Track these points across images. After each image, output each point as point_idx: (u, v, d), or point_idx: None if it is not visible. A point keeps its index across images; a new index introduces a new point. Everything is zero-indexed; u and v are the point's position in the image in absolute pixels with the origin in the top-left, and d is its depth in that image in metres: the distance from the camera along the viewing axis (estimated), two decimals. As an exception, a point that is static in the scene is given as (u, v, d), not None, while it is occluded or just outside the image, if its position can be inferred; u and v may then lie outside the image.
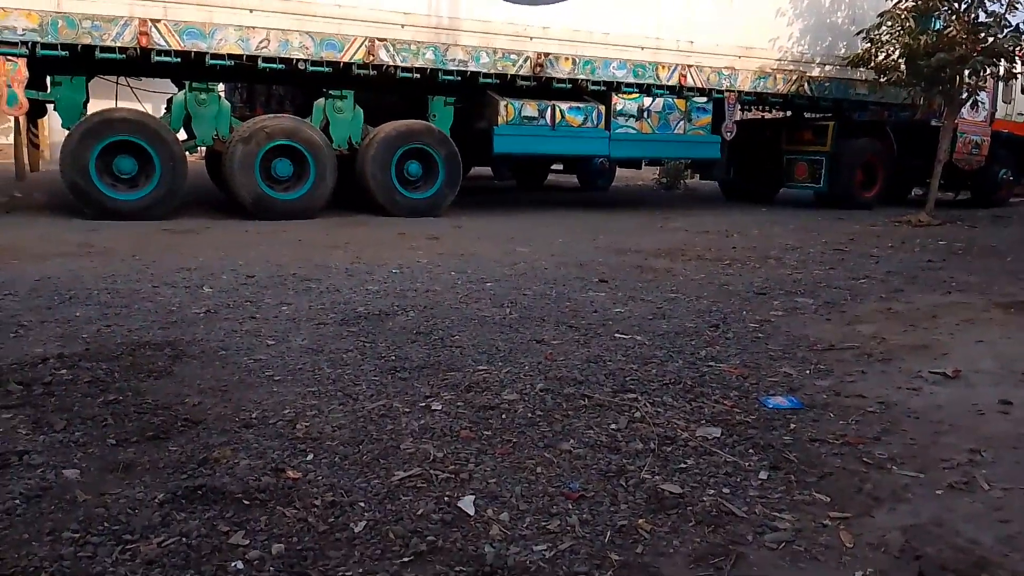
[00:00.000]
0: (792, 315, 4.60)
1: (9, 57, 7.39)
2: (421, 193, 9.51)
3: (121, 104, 9.05)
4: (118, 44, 7.67)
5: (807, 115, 13.45)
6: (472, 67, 9.33)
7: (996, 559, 1.92)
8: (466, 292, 4.93)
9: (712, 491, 2.24)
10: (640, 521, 2.06)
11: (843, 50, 11.69)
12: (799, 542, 1.98)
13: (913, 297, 5.23)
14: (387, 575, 1.79)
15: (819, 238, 8.46)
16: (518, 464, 2.39)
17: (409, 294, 4.80)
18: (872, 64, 11.08)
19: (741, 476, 2.35)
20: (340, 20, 8.53)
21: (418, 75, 9.11)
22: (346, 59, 8.64)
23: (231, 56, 8.15)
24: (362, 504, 2.10)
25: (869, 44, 10.93)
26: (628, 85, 10.36)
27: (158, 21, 7.76)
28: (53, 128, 12.87)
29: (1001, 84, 12.99)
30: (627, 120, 10.47)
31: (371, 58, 8.74)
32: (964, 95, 10.94)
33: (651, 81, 10.45)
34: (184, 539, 1.89)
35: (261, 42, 8.21)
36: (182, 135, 8.76)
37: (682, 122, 10.86)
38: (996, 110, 13.49)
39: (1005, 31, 10.41)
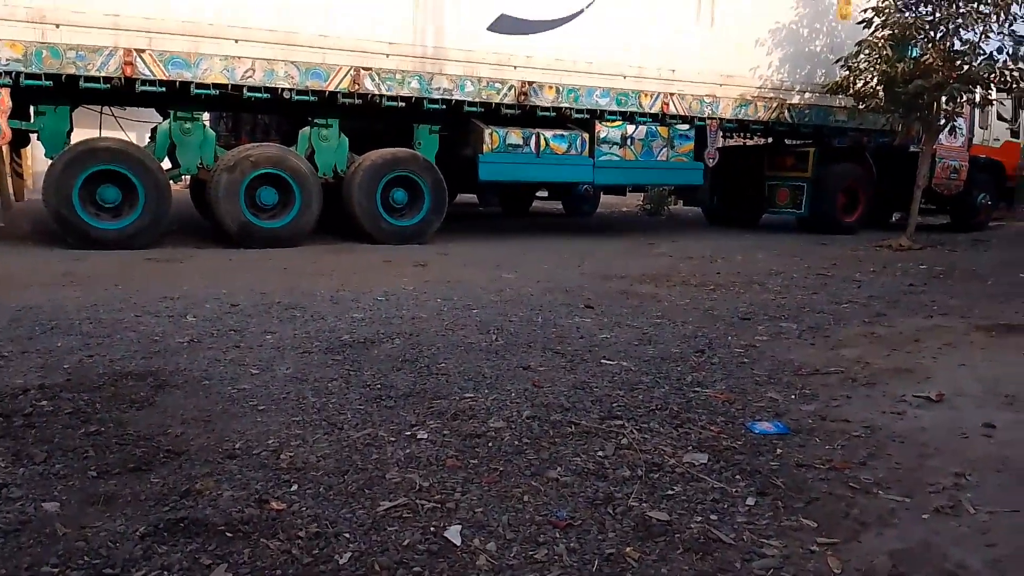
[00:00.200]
0: (776, 340, 4.62)
1: (-7, 87, 7.38)
2: (407, 220, 9.53)
3: (105, 133, 9.04)
4: (103, 74, 7.67)
5: (788, 141, 13.62)
6: (457, 96, 9.40)
7: (983, 583, 1.92)
8: (452, 319, 4.92)
9: (700, 518, 2.24)
10: (628, 549, 2.05)
11: (822, 78, 11.88)
12: (787, 568, 1.97)
13: (896, 321, 5.27)
14: (373, 608, 1.76)
15: (802, 263, 8.53)
16: (505, 493, 2.37)
17: (395, 321, 4.79)
18: (851, 91, 11.26)
19: (728, 502, 2.34)
20: (325, 50, 8.58)
21: (403, 104, 9.17)
22: (331, 88, 8.69)
23: (216, 85, 8.17)
24: (347, 535, 2.08)
25: (848, 72, 11.12)
26: (611, 113, 10.47)
27: (143, 51, 7.77)
28: (36, 157, 12.81)
29: (977, 111, 13.23)
30: (611, 147, 10.57)
31: (356, 87, 8.79)
32: (942, 121, 11.12)
33: (634, 109, 10.57)
34: (166, 573, 1.86)
35: (246, 71, 8.24)
36: (167, 164, 8.75)
37: (665, 149, 10.98)
38: (973, 136, 13.72)
39: (980, 59, 10.63)
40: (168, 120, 8.54)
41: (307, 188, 8.77)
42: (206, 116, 9.39)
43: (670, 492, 2.41)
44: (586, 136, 10.36)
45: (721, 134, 11.90)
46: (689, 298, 5.99)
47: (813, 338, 4.70)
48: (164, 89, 8.02)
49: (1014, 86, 10.57)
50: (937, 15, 10.54)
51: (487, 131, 9.74)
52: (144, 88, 7.92)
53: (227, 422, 2.91)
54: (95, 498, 2.25)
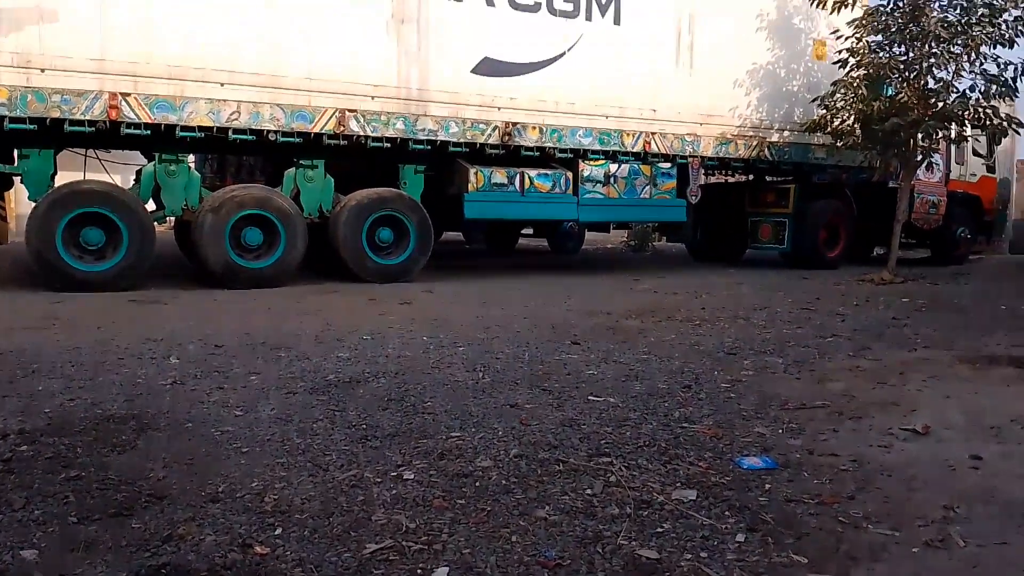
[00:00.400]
0: (762, 374, 4.63)
1: (-24, 131, 7.38)
2: (392, 259, 9.54)
3: (90, 176, 9.03)
4: (88, 117, 7.69)
5: (769, 178, 13.82)
6: (442, 136, 9.50)
7: (975, 617, 1.90)
8: (438, 357, 4.90)
9: (690, 555, 2.22)
10: (618, 588, 2.02)
11: (800, 116, 12.11)
12: (779, 605, 1.95)
13: (880, 354, 5.30)
14: (359, 653, 1.73)
15: (786, 297, 8.60)
16: (493, 533, 2.34)
17: (380, 360, 4.76)
18: (829, 129, 11.48)
19: (718, 539, 2.32)
20: (311, 92, 8.66)
21: (388, 144, 9.25)
22: (317, 129, 8.75)
23: (202, 128, 8.21)
24: (333, 579, 2.04)
25: (825, 111, 11.35)
26: (594, 152, 10.61)
27: (128, 95, 7.81)
28: (20, 200, 12.78)
29: (953, 147, 13.50)
30: (594, 185, 10.69)
31: (342, 128, 8.86)
32: (919, 157, 11.33)
33: (616, 148, 10.72)
34: (146, 621, 1.82)
35: (232, 114, 8.29)
36: (151, 206, 8.74)
37: (648, 187, 11.12)
38: (951, 171, 13.99)
39: (953, 96, 10.88)
40: (153, 162, 8.55)
41: (292, 228, 8.78)
42: (191, 158, 9.42)
43: (659, 529, 2.39)
44: (570, 175, 10.48)
45: (703, 172, 12.06)
46: (675, 333, 6.01)
47: (799, 372, 4.72)
48: (149, 132, 8.05)
49: (987, 123, 10.80)
50: (910, 55, 10.81)
51: (472, 170, 9.83)
52: (129, 131, 7.95)
53: (210, 465, 2.87)
54: (75, 544, 2.20)
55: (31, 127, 7.55)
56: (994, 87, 10.60)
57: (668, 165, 11.28)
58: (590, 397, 3.95)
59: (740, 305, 7.82)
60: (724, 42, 11.35)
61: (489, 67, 9.72)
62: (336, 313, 6.80)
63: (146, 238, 8.20)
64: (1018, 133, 11.61)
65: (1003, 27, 10.37)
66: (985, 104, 10.68)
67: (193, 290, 8.32)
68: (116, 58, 7.72)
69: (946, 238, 14.27)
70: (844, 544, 2.30)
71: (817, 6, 11.21)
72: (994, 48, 10.52)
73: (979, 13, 10.38)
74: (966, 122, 11.25)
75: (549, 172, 10.37)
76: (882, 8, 10.92)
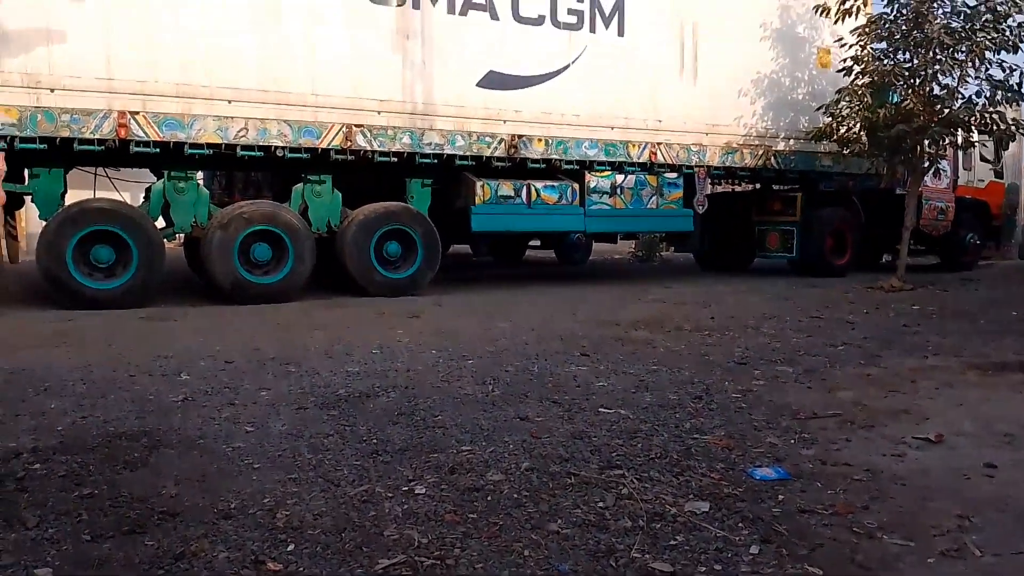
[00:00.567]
0: (773, 384, 4.61)
1: (-13, 151, 7.44)
2: (400, 272, 9.56)
3: (99, 194, 9.10)
4: (97, 136, 7.75)
5: (775, 187, 13.81)
6: (448, 150, 9.53)
7: (993, 627, 1.89)
8: (447, 370, 4.91)
9: (703, 568, 2.21)
10: (632, 602, 2.01)
11: (806, 125, 12.10)
12: (794, 618, 1.94)
13: (891, 362, 5.28)
14: (373, 670, 1.72)
15: (795, 306, 8.57)
16: (505, 547, 2.34)
17: (390, 374, 4.77)
18: (834, 137, 11.47)
19: (732, 551, 2.31)
20: (317, 108, 8.72)
21: (395, 159, 9.29)
22: (324, 145, 8.80)
23: (210, 145, 8.27)
24: (346, 595, 2.04)
25: (830, 119, 11.34)
26: (600, 163, 10.62)
27: (137, 113, 7.88)
28: (31, 219, 12.87)
29: (960, 153, 13.47)
30: (601, 196, 10.70)
31: (349, 143, 8.91)
32: (925, 164, 11.31)
33: (622, 159, 10.73)
34: (160, 640, 1.82)
35: (240, 131, 8.35)
36: (160, 223, 8.80)
37: (654, 197, 11.12)
38: (958, 177, 13.95)
39: (959, 103, 10.87)
40: (162, 180, 8.61)
41: (300, 243, 8.82)
42: (200, 175, 9.49)
43: (672, 542, 2.38)
44: (576, 186, 10.49)
45: (709, 181, 12.06)
46: (684, 344, 6.00)
47: (810, 381, 4.70)
48: (158, 150, 8.11)
49: (994, 128, 10.78)
50: (915, 62, 10.80)
51: (479, 183, 9.86)
52: (138, 149, 8.01)
53: (222, 481, 2.88)
54: (88, 563, 2.21)
55: (41, 147, 7.62)
56: (1000, 93, 10.59)
57: (674, 175, 11.28)
58: (600, 409, 3.95)
59: (749, 314, 7.80)
60: (728, 52, 11.37)
61: (494, 80, 9.76)
62: (345, 327, 6.81)
63: (156, 255, 8.25)
64: (1025, 138, 11.58)
65: (1007, 32, 10.37)
66: (991, 109, 10.66)
67: (203, 306, 8.35)
68: (124, 77, 7.79)
69: (955, 244, 14.22)
70: (858, 555, 2.29)
71: (821, 15, 11.23)
72: (998, 54, 10.51)
73: (983, 19, 10.37)
74: (972, 128, 11.23)
75: (555, 184, 10.39)
76: (885, 16, 10.93)
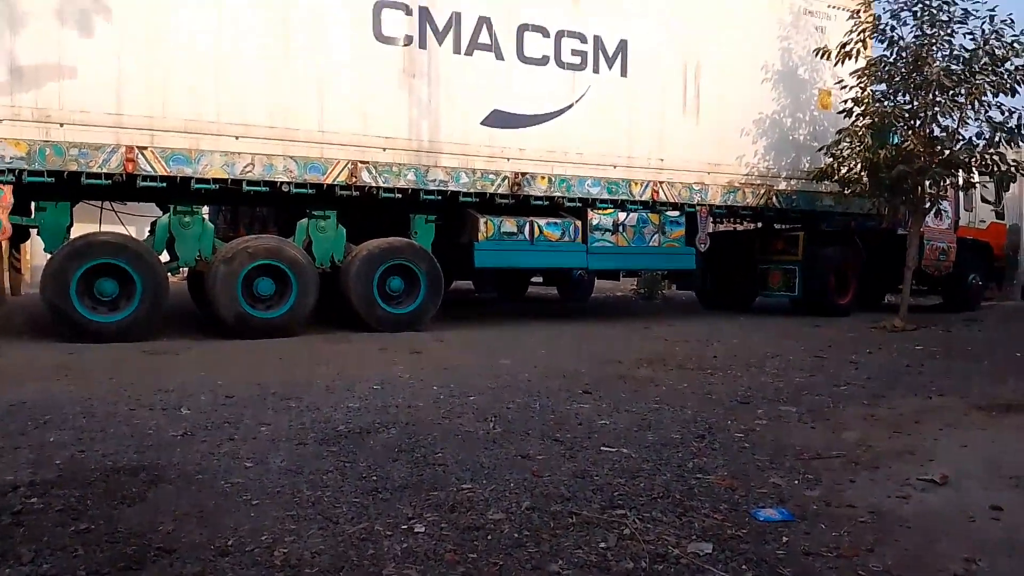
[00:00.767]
0: (777, 423, 4.58)
1: (-5, 184, 7.51)
2: (403, 308, 9.57)
3: (105, 227, 9.15)
4: (104, 170, 7.82)
5: (777, 226, 13.87)
6: (452, 187, 9.61)
7: (1003, 675, 1.85)
8: (449, 406, 4.88)
9: (707, 610, 2.17)
10: (634, 645, 1.98)
11: (807, 164, 12.19)
12: (799, 663, 1.90)
13: (895, 402, 5.25)
14: None
15: (797, 345, 8.55)
16: (506, 587, 2.31)
17: (391, 410, 4.75)
18: (836, 177, 11.55)
19: (735, 593, 2.28)
20: (323, 144, 8.81)
21: (400, 195, 9.36)
22: (329, 181, 8.88)
23: (216, 180, 8.34)
24: (343, 635, 2.01)
25: (832, 159, 11.43)
26: (603, 201, 10.69)
27: (145, 148, 7.96)
28: (35, 251, 12.94)
29: (961, 194, 13.54)
30: (603, 234, 10.75)
31: (354, 180, 8.98)
32: (927, 204, 11.37)
33: (625, 197, 10.80)
34: None
35: (246, 166, 8.43)
36: (165, 256, 8.84)
37: (657, 235, 11.17)
38: (959, 218, 14.01)
39: (959, 144, 10.96)
40: (168, 214, 8.67)
41: (304, 278, 8.85)
42: (205, 209, 9.56)
43: (675, 584, 2.35)
44: (579, 223, 10.55)
45: (711, 220, 12.12)
46: (687, 382, 5.97)
47: (813, 421, 4.67)
48: (164, 184, 8.18)
49: (995, 169, 10.85)
50: (915, 103, 10.92)
51: (482, 220, 9.93)
52: (145, 184, 8.08)
53: (220, 517, 2.85)
54: (83, 600, 2.18)
55: (49, 180, 7.69)
56: (999, 134, 10.68)
57: (676, 213, 11.34)
58: (602, 447, 3.92)
59: (752, 353, 7.77)
60: (730, 92, 11.51)
61: (499, 119, 9.87)
62: (347, 362, 6.80)
63: (159, 289, 8.27)
64: (1025, 180, 11.64)
65: (1005, 76, 10.49)
66: (992, 151, 10.75)
67: (205, 340, 8.35)
68: (133, 112, 7.89)
69: (957, 285, 14.21)
70: (864, 599, 2.25)
71: (821, 58, 11.38)
72: (996, 97, 10.63)
73: (982, 62, 10.50)
74: (973, 169, 11.31)
75: (558, 221, 10.45)
76: (885, 58, 11.09)
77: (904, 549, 2.63)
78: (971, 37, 10.60)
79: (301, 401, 4.97)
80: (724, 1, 11.52)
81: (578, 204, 10.53)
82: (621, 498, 3.13)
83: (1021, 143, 11.04)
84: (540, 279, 17.02)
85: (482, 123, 9.77)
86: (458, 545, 2.62)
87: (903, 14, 10.77)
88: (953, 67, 10.64)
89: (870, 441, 4.13)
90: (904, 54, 10.82)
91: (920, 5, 10.57)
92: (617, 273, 15.53)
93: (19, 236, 9.41)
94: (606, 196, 10.66)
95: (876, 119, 11.01)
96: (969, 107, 10.70)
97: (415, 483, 3.29)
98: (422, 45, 9.37)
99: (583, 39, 10.39)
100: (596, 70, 10.52)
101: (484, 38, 9.74)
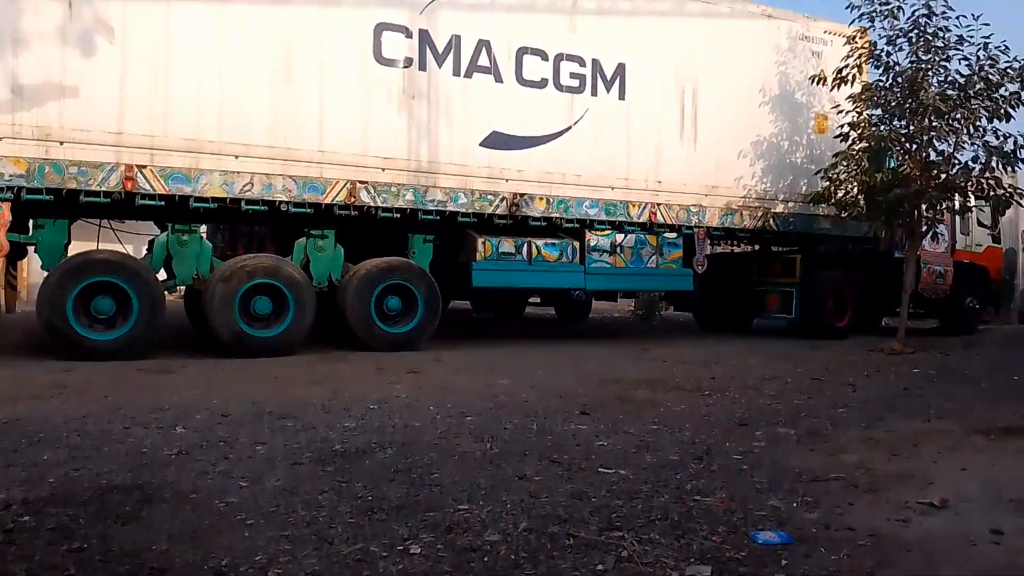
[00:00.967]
0: (775, 445, 4.56)
1: (-7, 201, 7.52)
2: (401, 327, 9.56)
3: (103, 245, 9.15)
4: (103, 188, 7.84)
5: (775, 248, 13.90)
6: (451, 207, 9.64)
7: None
8: (446, 427, 4.86)
9: (706, 634, 2.15)
10: (632, 669, 1.96)
11: (804, 187, 12.24)
12: None
13: (894, 425, 5.23)
14: None
15: (795, 367, 8.53)
16: (502, 609, 2.28)
17: (387, 430, 4.72)
18: (833, 200, 11.59)
19: (735, 617, 2.26)
20: (323, 164, 8.84)
21: (398, 215, 9.39)
22: (328, 200, 8.90)
23: (215, 199, 8.36)
24: (338, 658, 1.98)
25: (828, 183, 11.48)
26: (601, 222, 10.73)
27: (144, 167, 7.98)
28: (32, 269, 12.93)
29: (958, 217, 13.60)
30: (601, 255, 10.78)
31: (352, 199, 9.01)
32: (923, 228, 11.41)
33: (622, 218, 10.84)
34: None
35: (245, 185, 8.45)
36: (162, 275, 8.83)
37: (654, 256, 11.20)
38: (956, 241, 14.06)
39: (955, 168, 11.03)
40: (166, 232, 8.68)
41: (301, 297, 8.84)
42: (203, 228, 9.56)
43: (674, 607, 2.32)
44: (577, 244, 10.58)
45: (709, 242, 12.15)
46: (685, 403, 5.96)
47: (812, 443, 4.65)
48: (163, 203, 8.20)
49: (991, 193, 10.91)
50: (911, 128, 10.99)
51: (480, 240, 9.95)
52: (144, 202, 8.10)
53: (214, 537, 2.82)
54: (74, 620, 2.15)
55: (47, 197, 7.70)
56: (995, 158, 10.74)
57: (674, 235, 11.38)
58: (600, 469, 3.90)
59: (750, 375, 7.76)
60: (727, 116, 11.59)
61: (497, 140, 9.93)
62: (343, 382, 6.77)
63: (156, 307, 8.25)
64: (1020, 205, 11.68)
65: (1000, 101, 10.57)
66: (987, 175, 10.81)
67: (202, 359, 8.32)
68: (134, 131, 7.93)
69: (954, 308, 14.23)
70: (865, 623, 2.23)
71: (817, 83, 11.47)
72: (991, 122, 10.71)
73: (976, 87, 10.59)
74: (969, 193, 11.36)
75: (556, 241, 10.48)
76: (880, 83, 11.18)
77: (904, 573, 2.61)
78: (966, 63, 10.71)
79: (297, 420, 4.95)
80: (721, 26, 11.62)
81: (576, 225, 10.57)
82: (619, 520, 3.10)
83: (1017, 167, 11.09)
84: (538, 299, 17.03)
85: (481, 144, 9.82)
86: (454, 566, 2.60)
87: (899, 40, 10.87)
88: (949, 92, 10.73)
89: (869, 464, 4.11)
90: (900, 79, 10.92)
91: (915, 31, 10.68)
92: (615, 294, 15.58)
93: (16, 253, 9.42)
94: (604, 217, 10.70)
95: (872, 143, 11.08)
96: (965, 132, 10.77)
97: (411, 504, 3.26)
98: (422, 67, 9.44)
99: (582, 62, 10.47)
100: (594, 93, 10.60)
101: (483, 61, 9.82)
